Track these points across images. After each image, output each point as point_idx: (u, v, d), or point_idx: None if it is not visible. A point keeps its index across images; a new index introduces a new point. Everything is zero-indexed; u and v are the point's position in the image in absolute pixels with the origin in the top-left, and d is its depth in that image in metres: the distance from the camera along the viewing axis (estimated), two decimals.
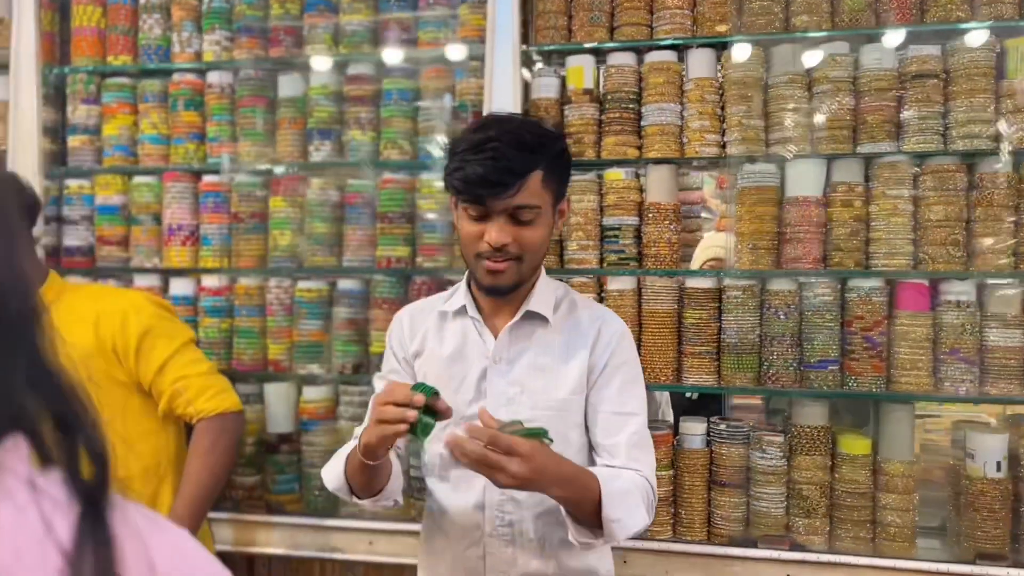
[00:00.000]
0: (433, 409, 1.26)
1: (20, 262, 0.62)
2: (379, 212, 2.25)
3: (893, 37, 2.03)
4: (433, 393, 1.26)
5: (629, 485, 1.39)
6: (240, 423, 1.94)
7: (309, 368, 2.27)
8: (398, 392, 1.25)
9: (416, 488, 2.13)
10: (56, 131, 2.45)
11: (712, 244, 2.44)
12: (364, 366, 2.25)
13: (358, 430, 1.54)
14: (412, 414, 1.23)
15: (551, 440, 1.29)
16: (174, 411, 1.88)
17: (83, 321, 1.83)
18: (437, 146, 2.23)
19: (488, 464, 1.21)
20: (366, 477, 1.41)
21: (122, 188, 2.39)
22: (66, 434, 0.60)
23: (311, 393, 2.27)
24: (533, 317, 1.52)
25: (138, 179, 2.38)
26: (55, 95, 2.45)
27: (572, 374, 1.49)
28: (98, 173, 2.40)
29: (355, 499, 1.50)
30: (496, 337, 1.51)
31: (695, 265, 2.38)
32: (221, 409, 1.87)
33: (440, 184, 2.21)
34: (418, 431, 1.24)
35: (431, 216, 2.22)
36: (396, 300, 2.22)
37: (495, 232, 1.39)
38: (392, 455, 1.47)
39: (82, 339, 1.81)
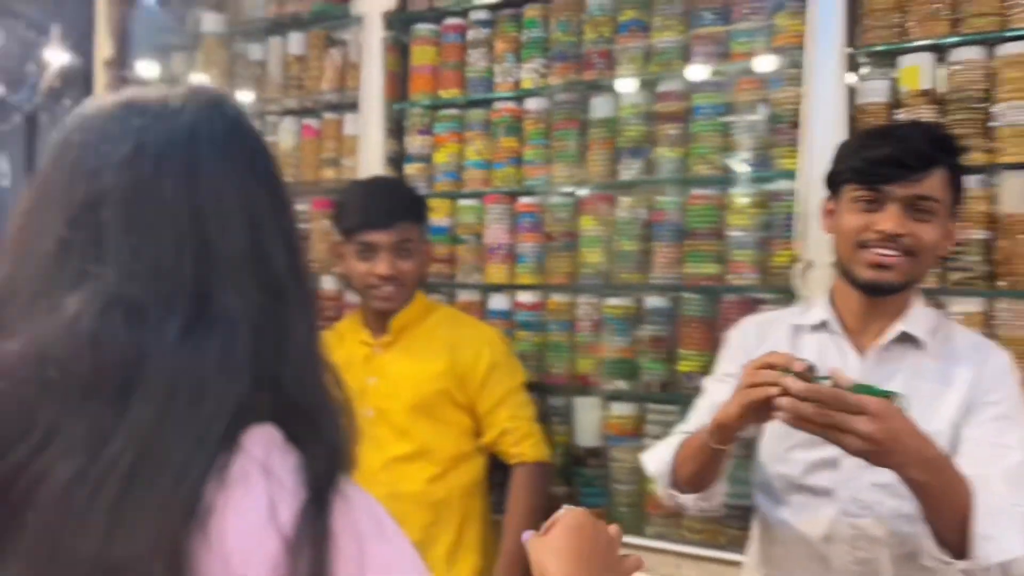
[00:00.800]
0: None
1: (304, 260, 0.67)
2: (687, 229, 2.22)
3: None
4: (813, 369, 1.16)
5: (1008, 506, 1.18)
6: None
7: (616, 384, 2.29)
8: (776, 356, 1.19)
9: (726, 516, 2.05)
10: (397, 161, 2.73)
11: None
12: (672, 385, 2.23)
13: (682, 426, 1.51)
14: (792, 382, 1.13)
15: (907, 402, 1.13)
16: (497, 445, 2.02)
17: (441, 342, 2.02)
18: (748, 160, 2.16)
19: (831, 424, 1.09)
20: (701, 463, 1.36)
21: (449, 211, 2.61)
22: (310, 426, 0.63)
23: (618, 409, 2.29)
24: (905, 340, 1.38)
25: (463, 202, 2.58)
26: (395, 128, 2.74)
27: (947, 406, 1.33)
28: (430, 197, 2.64)
29: (672, 492, 1.46)
30: (859, 358, 1.40)
31: None
32: (542, 457, 2.02)
33: (749, 200, 2.13)
34: None
35: (740, 233, 2.15)
36: (705, 319, 2.17)
37: (890, 221, 1.30)
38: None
39: (437, 358, 2.00)
